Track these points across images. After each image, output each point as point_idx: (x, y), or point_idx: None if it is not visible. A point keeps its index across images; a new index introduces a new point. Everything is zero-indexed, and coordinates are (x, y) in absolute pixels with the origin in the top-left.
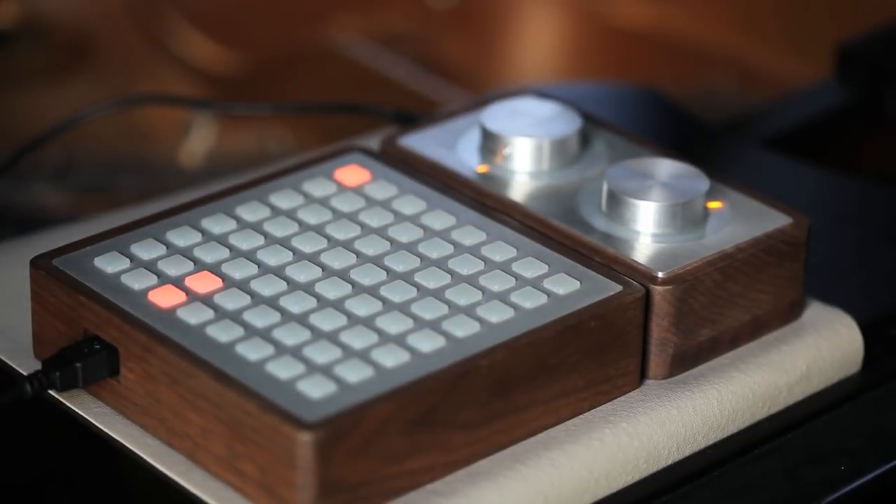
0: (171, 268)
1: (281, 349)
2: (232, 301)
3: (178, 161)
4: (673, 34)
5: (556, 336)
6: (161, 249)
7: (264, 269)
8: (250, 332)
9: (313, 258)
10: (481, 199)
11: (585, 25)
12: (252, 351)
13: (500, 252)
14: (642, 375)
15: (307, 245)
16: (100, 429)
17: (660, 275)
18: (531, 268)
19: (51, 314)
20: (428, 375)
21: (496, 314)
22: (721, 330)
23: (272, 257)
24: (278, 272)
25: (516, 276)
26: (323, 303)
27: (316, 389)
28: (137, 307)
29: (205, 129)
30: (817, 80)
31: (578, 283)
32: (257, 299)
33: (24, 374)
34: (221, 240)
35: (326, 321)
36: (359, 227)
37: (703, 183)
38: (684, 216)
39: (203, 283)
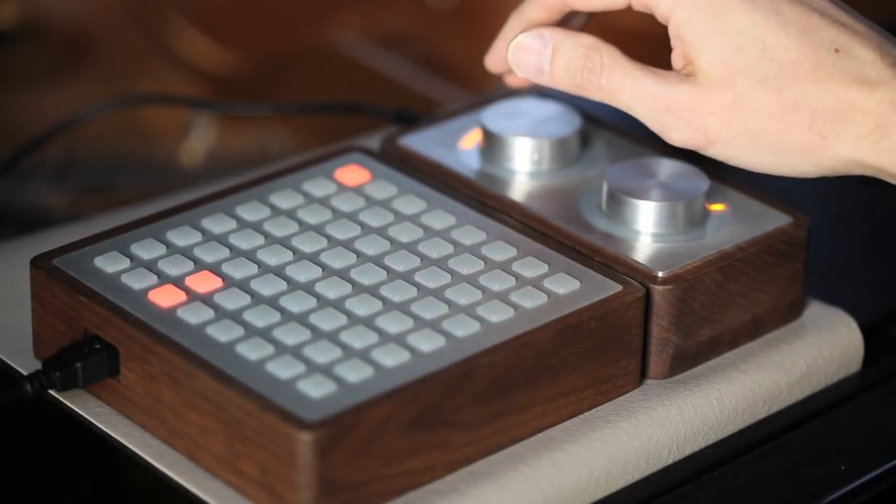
0: (172, 267)
1: (281, 349)
2: (232, 301)
3: (178, 161)
4: None
5: (556, 336)
6: (161, 249)
7: (264, 269)
8: (250, 331)
9: (313, 258)
10: (481, 199)
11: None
12: (252, 351)
13: (500, 252)
14: (642, 375)
15: (307, 245)
16: (100, 429)
17: (660, 274)
18: (531, 267)
19: (51, 314)
20: (428, 375)
21: (496, 314)
22: (721, 330)
23: (272, 257)
24: (278, 272)
25: (516, 276)
26: (323, 302)
27: (316, 389)
28: (137, 307)
29: (205, 129)
30: None
31: (578, 282)
32: (257, 299)
33: (24, 374)
34: (221, 239)
35: (326, 321)
36: (359, 226)
37: (703, 183)
38: (684, 216)
39: (203, 282)
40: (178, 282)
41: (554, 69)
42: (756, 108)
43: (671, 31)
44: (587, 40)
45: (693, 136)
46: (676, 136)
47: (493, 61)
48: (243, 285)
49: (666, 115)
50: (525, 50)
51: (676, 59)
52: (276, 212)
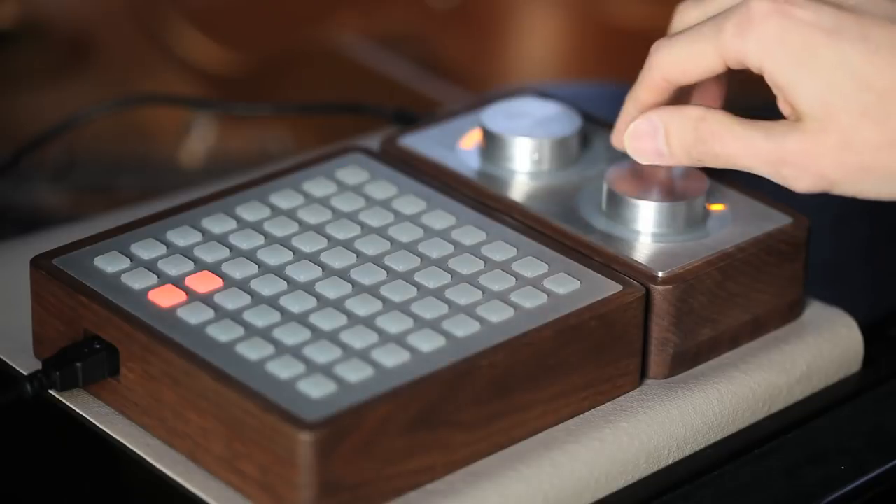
0: (172, 267)
1: (281, 349)
2: (232, 301)
3: (178, 161)
4: None
5: (556, 336)
6: (161, 249)
7: (264, 269)
8: (250, 331)
9: (313, 258)
10: (481, 199)
11: (585, 25)
12: (252, 351)
13: (500, 252)
14: (642, 375)
15: (307, 245)
16: (100, 429)
17: (660, 274)
18: (531, 267)
19: (51, 314)
20: (428, 375)
21: (496, 314)
22: (721, 330)
23: (272, 257)
24: (278, 272)
25: (516, 276)
26: (323, 302)
27: (316, 389)
28: (137, 307)
29: (205, 129)
30: None
31: (578, 282)
32: (257, 299)
33: (24, 374)
34: (221, 239)
35: (326, 321)
36: (359, 226)
37: (703, 183)
38: (684, 216)
39: (203, 282)
40: (178, 282)
41: (672, 150)
42: (863, 143)
43: (768, 82)
44: (694, 112)
45: (815, 181)
46: (799, 185)
47: (618, 141)
48: (243, 285)
49: (783, 167)
50: (640, 137)
51: (783, 106)
52: (276, 212)
